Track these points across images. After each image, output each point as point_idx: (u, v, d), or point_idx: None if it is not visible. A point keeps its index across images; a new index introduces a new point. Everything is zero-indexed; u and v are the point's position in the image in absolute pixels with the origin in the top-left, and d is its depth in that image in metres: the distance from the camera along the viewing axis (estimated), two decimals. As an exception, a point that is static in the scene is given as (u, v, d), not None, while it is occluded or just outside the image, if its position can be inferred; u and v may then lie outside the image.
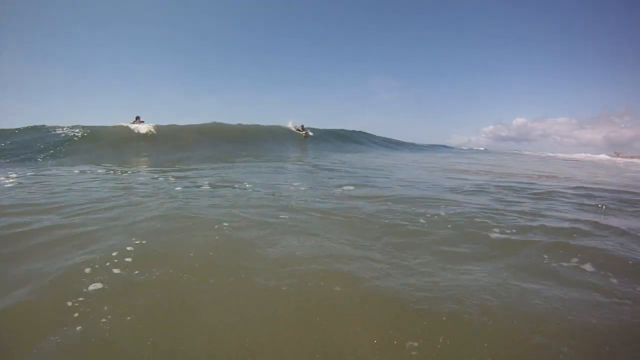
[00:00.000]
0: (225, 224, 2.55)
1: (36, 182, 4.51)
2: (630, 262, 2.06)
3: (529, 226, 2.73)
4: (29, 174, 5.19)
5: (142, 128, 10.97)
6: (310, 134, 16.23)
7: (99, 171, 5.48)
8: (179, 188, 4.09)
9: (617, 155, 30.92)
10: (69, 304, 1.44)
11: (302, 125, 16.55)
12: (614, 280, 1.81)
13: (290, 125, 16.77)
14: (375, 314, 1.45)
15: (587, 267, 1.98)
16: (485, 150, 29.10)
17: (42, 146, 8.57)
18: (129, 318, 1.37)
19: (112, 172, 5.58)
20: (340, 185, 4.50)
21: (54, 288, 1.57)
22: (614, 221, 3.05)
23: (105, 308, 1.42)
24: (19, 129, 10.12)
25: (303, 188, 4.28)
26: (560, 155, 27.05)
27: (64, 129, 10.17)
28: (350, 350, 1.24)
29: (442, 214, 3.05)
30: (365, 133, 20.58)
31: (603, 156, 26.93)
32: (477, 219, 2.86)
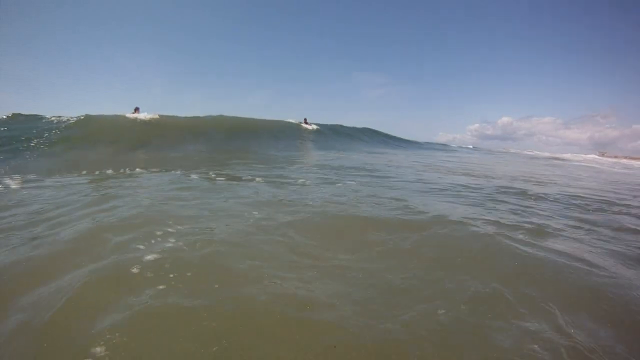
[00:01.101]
0: (255, 212, 2.67)
1: (47, 188, 4.21)
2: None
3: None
4: (30, 176, 4.57)
5: (144, 117, 10.47)
6: (315, 127, 16.11)
7: (108, 171, 5.00)
8: (194, 181, 4.15)
9: (602, 155, 32.18)
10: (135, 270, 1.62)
11: (305, 119, 16.44)
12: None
13: (293, 120, 16.64)
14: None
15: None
16: (478, 149, 29.55)
17: (35, 132, 8.02)
18: (189, 274, 1.59)
19: (121, 171, 5.17)
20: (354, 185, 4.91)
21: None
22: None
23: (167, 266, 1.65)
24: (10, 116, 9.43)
25: (309, 182, 4.36)
26: (547, 154, 27.81)
27: (60, 118, 9.56)
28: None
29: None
30: (369, 129, 20.56)
31: (592, 156, 27.83)
32: (466, 213, 3.06)
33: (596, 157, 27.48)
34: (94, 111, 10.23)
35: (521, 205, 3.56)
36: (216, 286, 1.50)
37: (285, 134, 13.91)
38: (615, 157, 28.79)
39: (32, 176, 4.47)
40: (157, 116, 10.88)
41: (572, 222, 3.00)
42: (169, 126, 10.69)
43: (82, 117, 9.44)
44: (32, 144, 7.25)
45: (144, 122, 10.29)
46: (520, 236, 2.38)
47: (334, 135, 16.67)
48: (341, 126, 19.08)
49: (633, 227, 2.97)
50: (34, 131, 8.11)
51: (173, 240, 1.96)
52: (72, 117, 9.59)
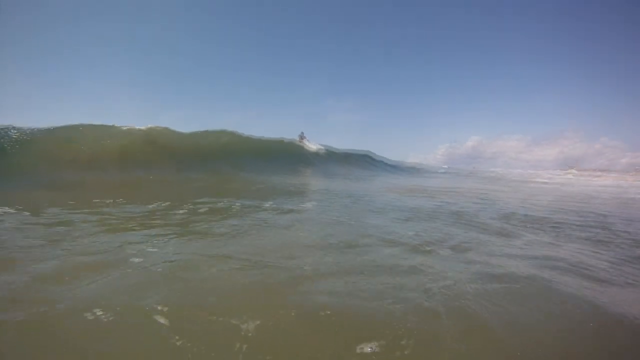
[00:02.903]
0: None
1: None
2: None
3: None
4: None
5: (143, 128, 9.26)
6: (315, 145, 15.56)
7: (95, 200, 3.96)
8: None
9: (571, 170, 34.36)
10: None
11: (302, 134, 16.16)
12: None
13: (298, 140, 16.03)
14: None
15: None
16: (452, 170, 29.93)
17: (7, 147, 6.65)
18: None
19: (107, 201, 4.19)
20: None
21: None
22: None
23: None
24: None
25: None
26: (522, 172, 28.94)
27: (32, 129, 8.17)
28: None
29: None
30: (369, 156, 20.31)
31: (572, 174, 29.13)
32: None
33: (576, 173, 28.98)
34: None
35: None
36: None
37: (283, 156, 13.13)
38: (584, 170, 30.69)
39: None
40: (145, 130, 9.69)
41: None
42: (160, 143, 9.52)
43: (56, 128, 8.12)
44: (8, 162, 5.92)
45: (134, 134, 9.05)
46: None
47: (333, 157, 16.17)
48: (334, 151, 18.64)
49: None
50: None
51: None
52: (50, 127, 8.22)
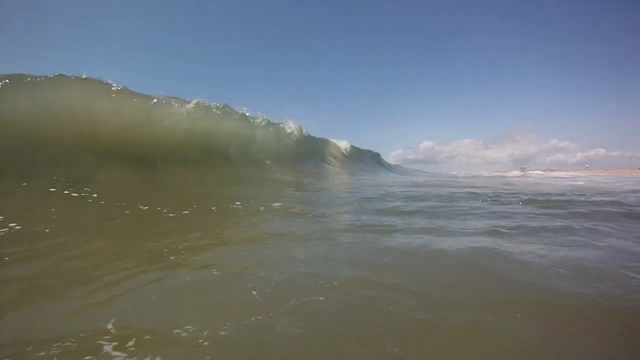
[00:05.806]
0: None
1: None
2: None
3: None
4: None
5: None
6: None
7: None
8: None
9: (523, 170, 37.71)
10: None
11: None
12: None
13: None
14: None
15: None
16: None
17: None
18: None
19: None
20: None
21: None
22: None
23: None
24: None
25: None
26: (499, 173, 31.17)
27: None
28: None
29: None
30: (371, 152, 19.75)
31: (537, 172, 32.25)
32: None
33: (542, 172, 32.09)
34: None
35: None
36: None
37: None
38: (536, 169, 34.71)
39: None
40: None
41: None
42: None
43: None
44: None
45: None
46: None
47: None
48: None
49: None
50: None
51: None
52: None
